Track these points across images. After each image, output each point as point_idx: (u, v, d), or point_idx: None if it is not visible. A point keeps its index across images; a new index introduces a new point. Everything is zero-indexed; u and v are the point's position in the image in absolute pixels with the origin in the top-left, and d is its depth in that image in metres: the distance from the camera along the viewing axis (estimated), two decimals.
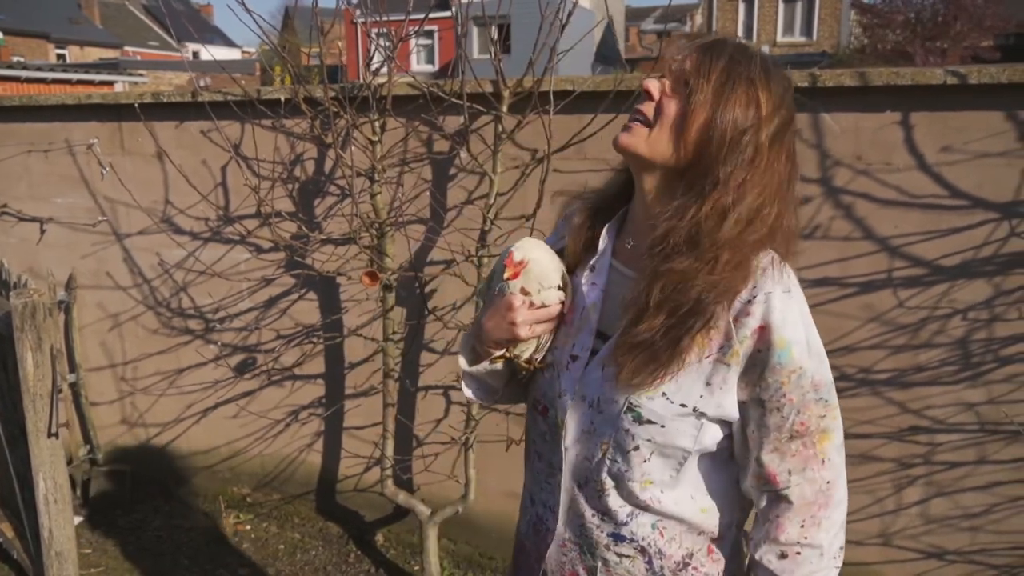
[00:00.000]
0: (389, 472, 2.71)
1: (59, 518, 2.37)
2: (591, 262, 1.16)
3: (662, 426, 1.08)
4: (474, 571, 2.92)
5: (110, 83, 14.66)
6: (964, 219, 2.15)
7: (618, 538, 1.16)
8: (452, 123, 2.60)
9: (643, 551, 1.15)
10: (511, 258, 1.11)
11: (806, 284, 2.27)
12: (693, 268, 1.01)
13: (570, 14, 2.17)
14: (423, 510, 2.70)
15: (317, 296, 3.01)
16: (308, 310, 3.04)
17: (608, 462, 1.12)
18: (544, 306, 1.13)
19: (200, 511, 3.36)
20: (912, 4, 22.37)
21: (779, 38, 27.48)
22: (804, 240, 2.28)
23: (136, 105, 2.98)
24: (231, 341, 3.19)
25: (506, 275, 1.11)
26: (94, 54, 31.72)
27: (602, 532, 1.16)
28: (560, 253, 1.19)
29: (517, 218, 2.41)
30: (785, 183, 1.06)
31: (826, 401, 1.07)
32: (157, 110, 3.07)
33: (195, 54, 36.55)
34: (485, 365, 1.19)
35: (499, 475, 2.80)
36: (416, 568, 2.92)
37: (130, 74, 16.50)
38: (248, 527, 3.25)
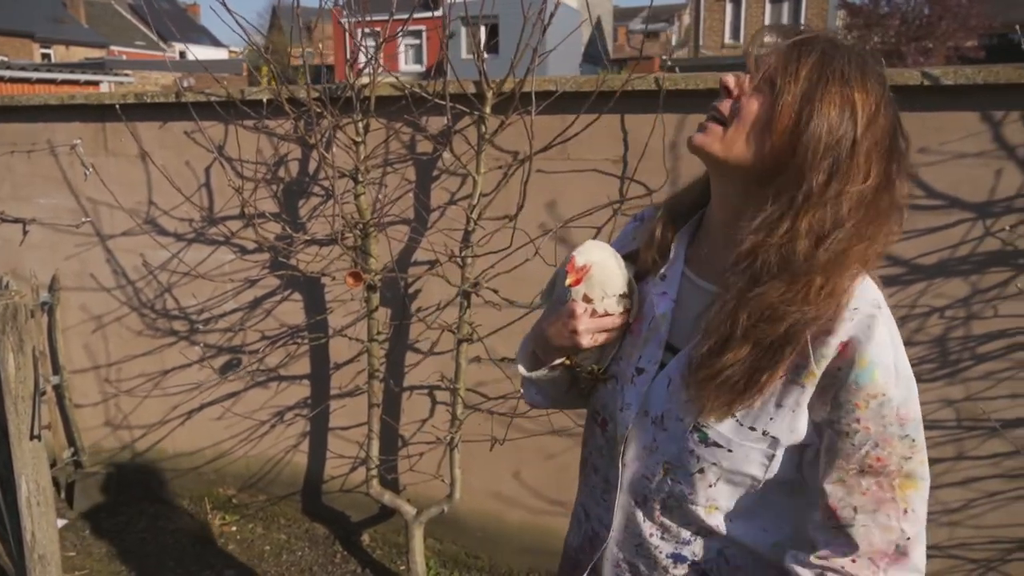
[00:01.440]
0: (375, 472, 2.72)
1: (42, 521, 2.36)
2: (662, 270, 1.09)
3: (729, 450, 0.99)
4: (460, 570, 2.93)
5: (95, 83, 14.56)
6: (941, 219, 2.17)
7: (679, 559, 1.09)
8: (435, 124, 2.61)
9: (704, 574, 1.08)
10: (573, 262, 1.05)
11: None
12: (786, 297, 0.91)
13: (552, 16, 2.17)
14: (409, 510, 2.70)
15: (302, 297, 3.01)
16: (293, 311, 3.04)
17: (670, 483, 1.05)
18: (607, 314, 1.07)
19: (185, 513, 3.36)
20: (898, 4, 22.52)
21: (766, 39, 27.61)
22: None
23: (118, 106, 2.97)
24: (216, 342, 3.19)
25: (568, 280, 1.05)
26: (80, 54, 31.51)
27: (661, 552, 1.09)
28: (628, 258, 1.13)
29: (500, 218, 2.42)
30: (886, 196, 0.94)
31: (913, 440, 0.96)
32: (140, 111, 3.06)
33: (182, 54, 36.36)
34: (544, 372, 1.13)
35: (484, 475, 2.81)
36: (402, 568, 2.92)
37: (116, 74, 16.39)
38: (234, 528, 3.25)
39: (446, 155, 2.61)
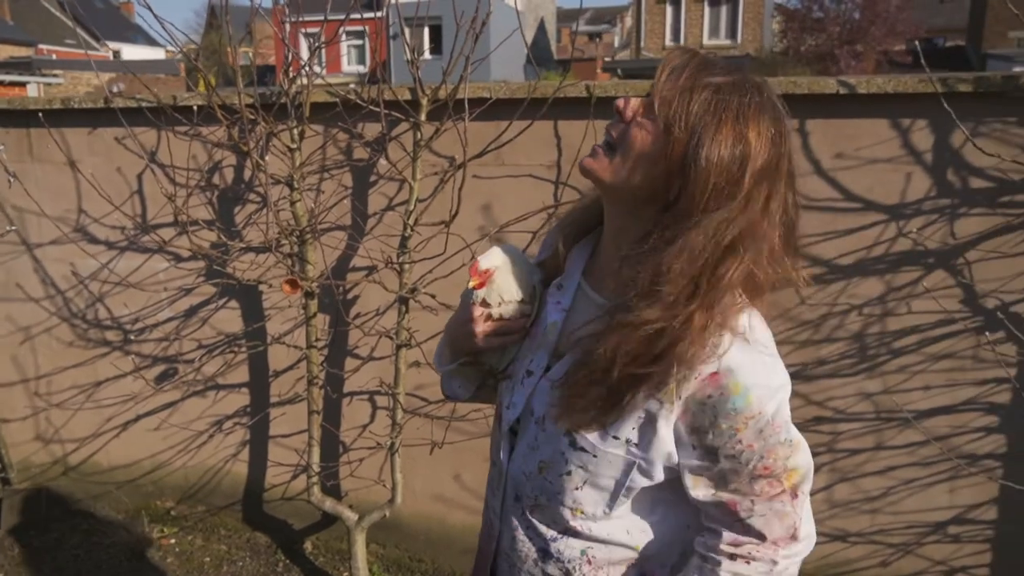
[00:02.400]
0: (316, 479, 2.71)
1: None
2: (558, 280, 1.14)
3: (594, 455, 1.05)
4: (403, 574, 2.94)
5: (22, 84, 14.03)
6: (858, 220, 2.28)
7: (546, 555, 1.15)
8: (372, 130, 2.61)
9: (568, 573, 1.13)
10: (476, 266, 1.09)
11: None
12: (659, 328, 0.93)
13: (484, 24, 2.21)
14: (350, 516, 2.70)
15: (239, 304, 2.98)
16: (230, 319, 3.00)
17: (543, 482, 1.11)
18: (502, 319, 1.12)
19: (121, 527, 3.28)
20: (830, 9, 23.28)
21: (705, 40, 28.18)
22: None
23: (41, 115, 2.88)
24: (151, 352, 3.13)
25: (471, 283, 1.10)
26: (5, 52, 30.24)
27: (531, 547, 1.15)
28: (543, 264, 1.19)
29: (437, 224, 2.45)
30: (771, 231, 0.96)
31: (791, 440, 1.01)
32: (68, 116, 2.99)
33: (116, 53, 35.28)
34: (452, 367, 1.22)
35: (425, 478, 2.83)
36: (345, 574, 2.92)
37: (44, 74, 15.82)
38: (172, 541, 3.19)
39: (382, 161, 2.62)
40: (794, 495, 1.03)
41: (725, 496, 1.04)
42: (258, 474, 3.14)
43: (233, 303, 2.98)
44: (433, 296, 2.47)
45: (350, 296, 2.77)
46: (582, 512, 1.10)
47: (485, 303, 1.11)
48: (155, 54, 37.15)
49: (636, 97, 0.99)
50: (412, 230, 2.42)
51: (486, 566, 1.26)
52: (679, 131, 0.93)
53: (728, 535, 1.06)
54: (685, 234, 0.92)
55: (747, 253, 0.94)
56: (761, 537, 1.05)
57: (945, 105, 1.99)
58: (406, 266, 2.45)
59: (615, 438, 1.04)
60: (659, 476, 1.06)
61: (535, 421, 1.11)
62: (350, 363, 2.85)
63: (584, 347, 1.01)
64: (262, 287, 2.89)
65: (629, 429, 1.02)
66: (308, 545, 3.10)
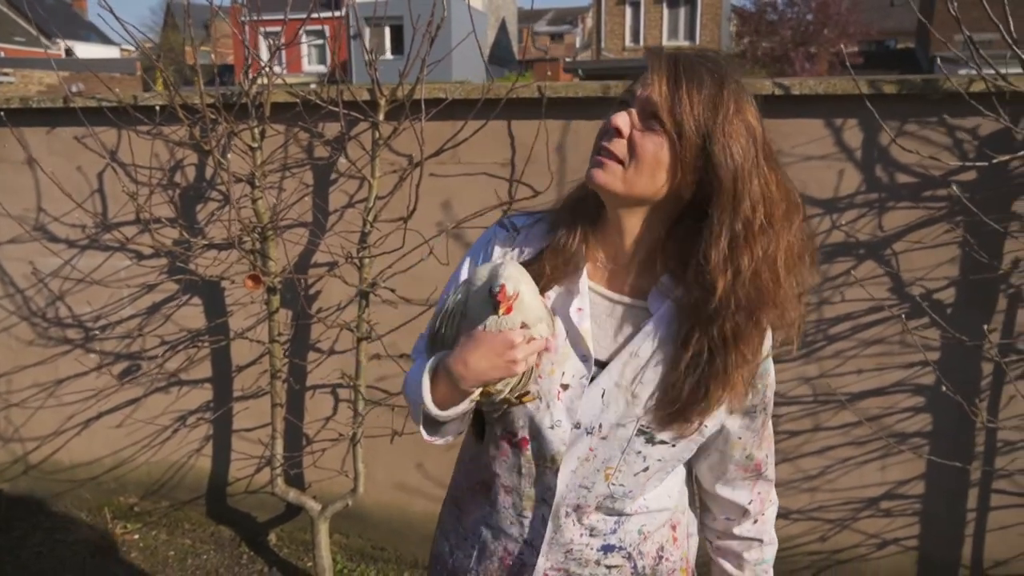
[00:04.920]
0: (279, 471, 2.77)
1: None
2: (567, 285, 1.10)
3: (673, 445, 1.09)
4: (366, 563, 3.01)
5: None
6: None
7: (608, 549, 1.16)
8: (332, 129, 2.68)
9: (629, 556, 1.17)
10: (504, 292, 0.99)
11: None
12: (762, 328, 1.03)
13: (439, 27, 2.29)
14: (313, 506, 2.77)
15: (202, 301, 3.03)
16: (193, 315, 3.04)
17: (611, 487, 1.11)
18: (534, 339, 1.04)
19: (84, 524, 3.30)
20: (784, 12, 23.79)
21: (665, 42, 28.56)
22: None
23: (1, 113, 2.89)
24: (113, 349, 3.16)
25: (501, 310, 1.00)
26: None
27: (592, 548, 1.16)
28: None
29: (396, 220, 2.53)
30: (788, 196, 1.01)
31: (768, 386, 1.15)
32: (26, 116, 3.00)
33: (68, 51, 34.49)
34: (464, 406, 1.07)
35: (387, 468, 2.91)
36: (309, 564, 2.98)
37: None
38: (136, 536, 3.22)
39: (342, 160, 2.69)
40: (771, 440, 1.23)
41: (758, 455, 1.19)
42: (222, 468, 3.18)
43: (196, 299, 3.03)
44: (393, 290, 2.55)
45: (312, 291, 2.84)
46: (643, 495, 1.15)
47: (524, 325, 1.02)
48: (109, 52, 36.40)
49: (625, 113, 0.99)
50: (372, 226, 2.50)
51: None
52: (690, 135, 0.95)
53: (753, 505, 1.23)
54: (748, 236, 0.96)
55: (782, 228, 0.99)
56: (769, 482, 1.23)
57: (868, 105, 2.13)
58: (366, 261, 2.52)
59: (703, 425, 1.09)
60: None
61: (587, 431, 1.08)
62: (312, 356, 2.92)
63: (688, 340, 1.02)
64: (224, 283, 2.94)
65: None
66: (272, 537, 3.15)
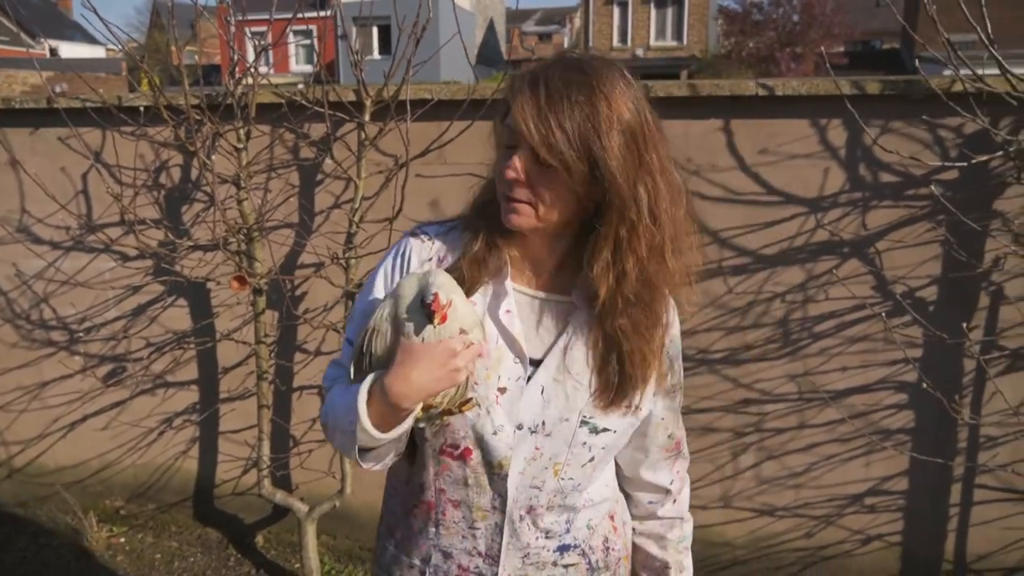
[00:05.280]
0: (266, 473, 2.76)
1: None
2: (491, 289, 1.10)
3: (615, 431, 1.12)
4: (354, 563, 3.01)
5: None
6: (779, 213, 2.44)
7: (564, 549, 1.17)
8: (318, 130, 2.68)
9: (583, 553, 1.19)
10: (438, 300, 0.97)
11: None
12: (655, 312, 1.07)
13: (424, 28, 2.29)
14: (301, 507, 2.76)
15: (187, 302, 3.01)
16: (178, 316, 3.03)
17: (560, 481, 1.12)
18: (472, 344, 1.02)
19: (69, 528, 3.28)
20: (770, 13, 23.93)
21: (652, 42, 28.67)
22: None
23: None
24: (98, 351, 3.14)
25: (436, 320, 0.98)
26: None
27: (548, 550, 1.16)
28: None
29: (382, 221, 2.53)
30: (672, 178, 1.03)
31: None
32: (9, 116, 2.98)
33: (53, 51, 34.21)
34: (406, 425, 1.03)
35: None
36: (297, 566, 2.98)
37: None
38: (122, 539, 3.20)
39: (328, 161, 2.69)
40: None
41: (678, 433, 1.24)
42: (208, 470, 3.17)
43: (181, 301, 3.02)
44: None
45: (298, 292, 2.84)
46: (587, 488, 1.17)
47: (462, 332, 1.01)
48: (95, 52, 36.12)
49: (513, 161, 0.99)
50: (358, 227, 2.50)
51: None
52: (575, 164, 0.96)
53: (675, 485, 1.27)
54: (633, 235, 1.00)
55: (667, 219, 1.02)
56: (686, 459, 1.28)
57: (849, 106, 2.15)
58: (352, 262, 2.52)
59: (627, 407, 1.12)
60: None
61: (530, 431, 1.09)
62: (299, 358, 2.91)
63: (597, 336, 1.07)
64: (210, 284, 2.92)
65: (637, 396, 1.12)
66: (259, 539, 3.14)
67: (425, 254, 1.14)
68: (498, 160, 1.04)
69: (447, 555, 1.17)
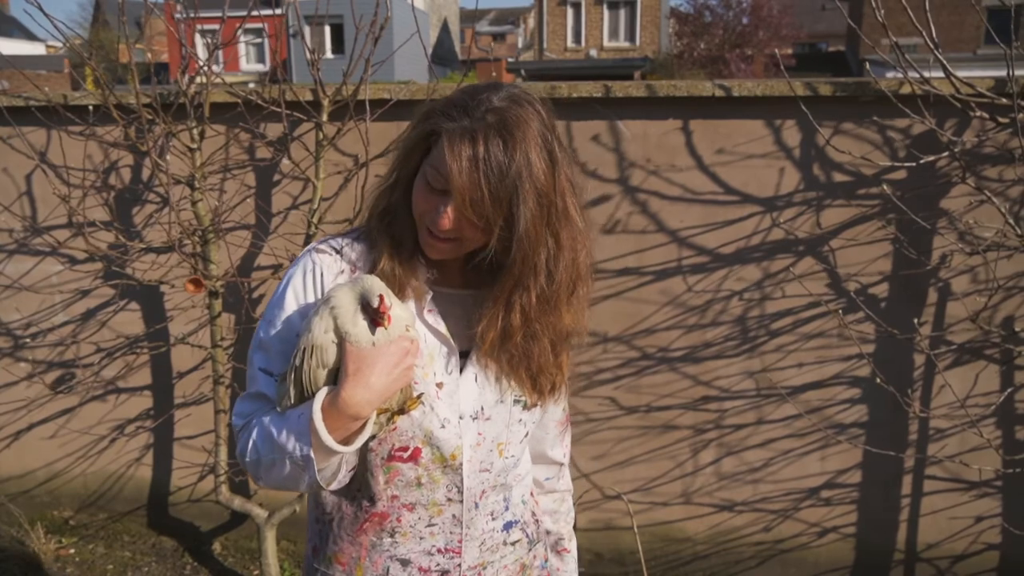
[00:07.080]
0: (223, 479, 2.71)
1: None
2: (411, 291, 1.12)
3: (541, 405, 1.20)
4: None
5: None
6: (736, 212, 2.48)
7: (508, 526, 1.22)
8: (275, 130, 2.63)
9: (523, 528, 1.25)
10: (383, 303, 0.98)
11: (610, 274, 2.53)
12: (547, 285, 1.09)
13: (383, 27, 2.28)
14: (260, 513, 2.71)
15: (140, 306, 2.93)
16: (130, 321, 2.95)
17: (505, 460, 1.18)
18: (415, 341, 1.05)
19: (15, 540, 3.16)
20: (720, 15, 24.34)
21: (605, 43, 28.89)
22: (606, 235, 2.53)
23: None
24: (45, 357, 3.04)
25: (385, 322, 0.99)
26: None
27: (496, 531, 1.20)
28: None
29: (342, 222, 2.50)
30: (581, 233, 1.10)
31: None
32: None
33: None
34: (368, 431, 1.03)
35: None
36: (256, 572, 2.92)
37: None
38: (72, 551, 3.11)
39: (286, 161, 2.64)
40: None
41: (565, 404, 1.31)
42: (163, 477, 3.09)
43: (133, 305, 2.94)
44: None
45: (256, 294, 2.78)
46: (520, 463, 1.24)
47: (408, 329, 1.03)
48: (35, 49, 34.94)
49: (452, 208, 1.02)
50: (317, 228, 2.46)
51: None
52: (495, 221, 1.02)
53: (566, 458, 1.36)
54: (522, 283, 1.07)
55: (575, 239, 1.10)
56: (569, 429, 1.38)
57: (803, 107, 2.20)
58: None
59: (562, 384, 1.21)
60: None
61: (472, 418, 1.14)
62: None
63: (513, 323, 1.10)
64: (164, 287, 2.85)
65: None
66: (217, 546, 3.08)
67: (336, 267, 1.14)
68: (419, 192, 1.05)
69: (405, 563, 1.16)
